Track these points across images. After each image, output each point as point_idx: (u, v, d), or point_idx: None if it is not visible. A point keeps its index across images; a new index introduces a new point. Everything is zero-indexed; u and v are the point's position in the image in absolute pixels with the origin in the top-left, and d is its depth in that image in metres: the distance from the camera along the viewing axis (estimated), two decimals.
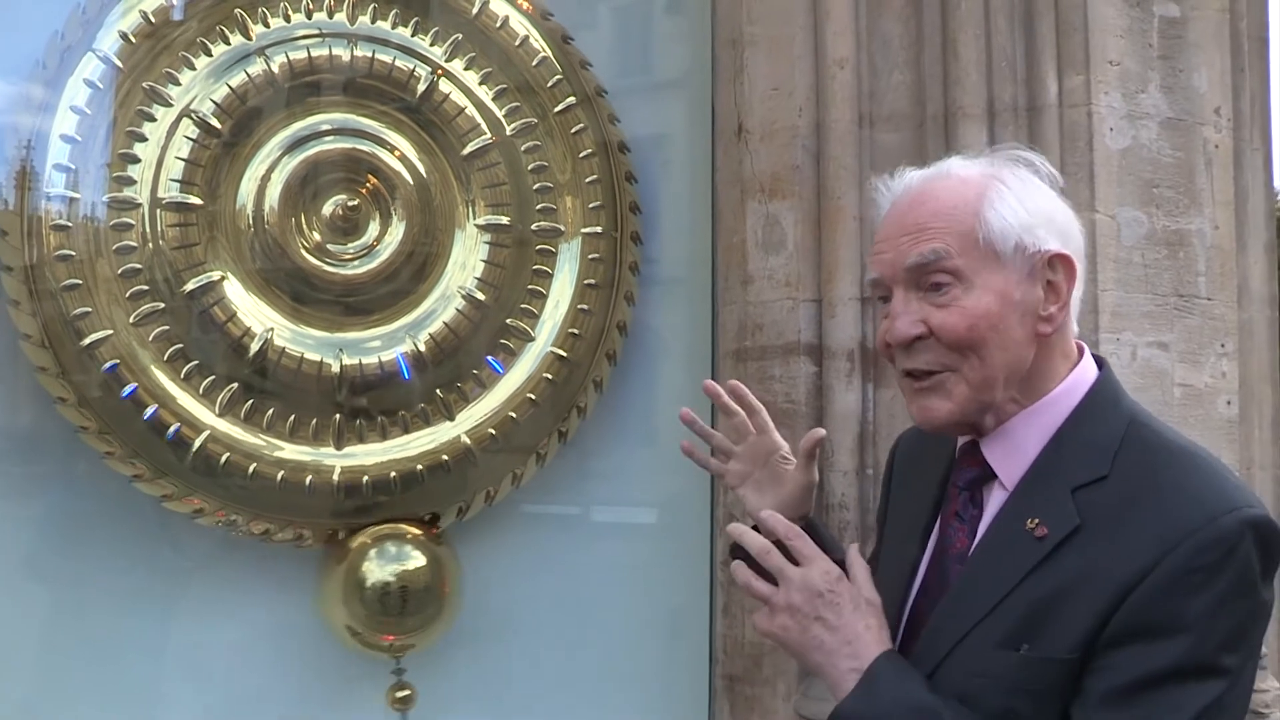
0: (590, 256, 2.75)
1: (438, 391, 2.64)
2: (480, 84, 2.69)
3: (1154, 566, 1.29)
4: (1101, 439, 1.40)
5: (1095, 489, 1.37)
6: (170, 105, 2.47)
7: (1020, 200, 1.42)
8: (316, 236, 2.59)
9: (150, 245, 2.45)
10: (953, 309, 1.40)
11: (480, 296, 2.67)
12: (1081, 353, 1.48)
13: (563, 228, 2.74)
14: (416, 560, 2.60)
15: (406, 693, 2.63)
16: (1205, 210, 2.52)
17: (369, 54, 2.61)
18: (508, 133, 2.70)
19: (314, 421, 2.56)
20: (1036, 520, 1.37)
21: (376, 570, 2.57)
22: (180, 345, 2.47)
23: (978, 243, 1.40)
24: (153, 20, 2.48)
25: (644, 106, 2.98)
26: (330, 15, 2.59)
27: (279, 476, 2.52)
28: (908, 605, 1.50)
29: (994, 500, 1.46)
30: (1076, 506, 1.36)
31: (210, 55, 2.50)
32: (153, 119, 2.46)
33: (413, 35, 2.65)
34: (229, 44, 2.52)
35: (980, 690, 1.35)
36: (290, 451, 2.54)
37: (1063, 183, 1.49)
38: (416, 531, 2.64)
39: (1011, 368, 1.41)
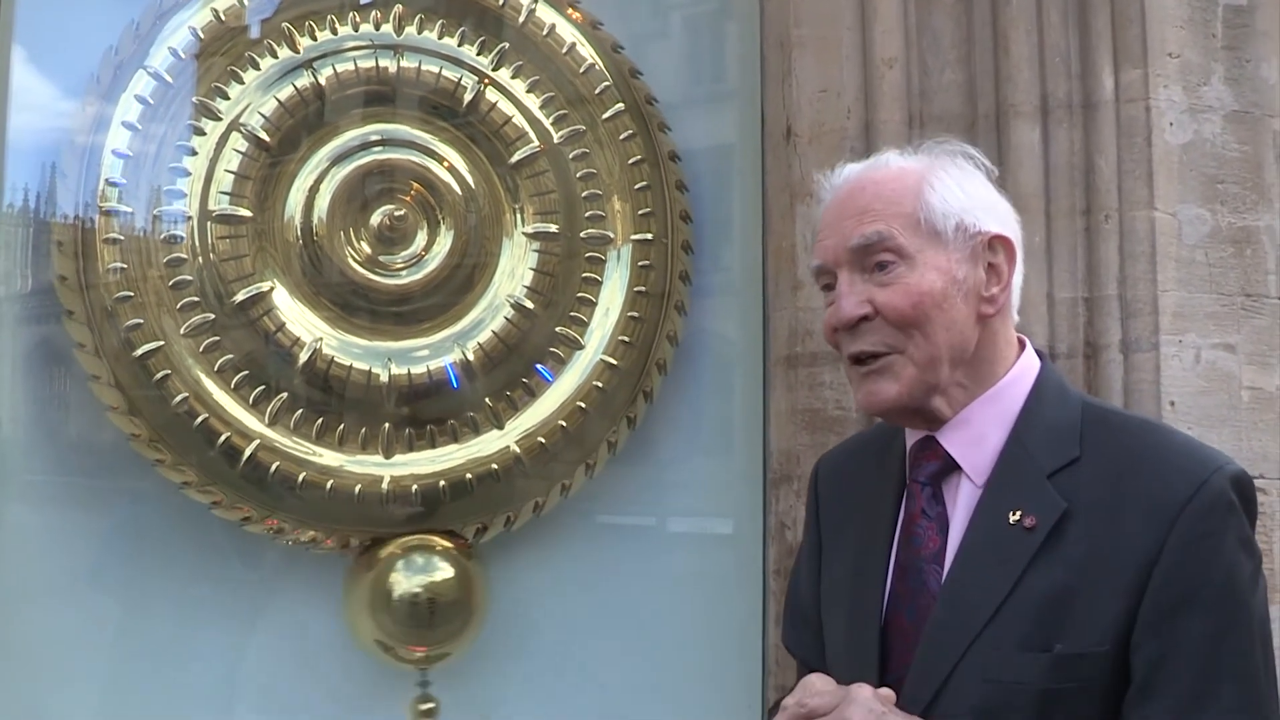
0: (641, 263, 2.73)
1: (487, 400, 2.64)
2: (527, 92, 2.68)
3: (1163, 543, 1.32)
4: (1062, 422, 1.44)
5: (1071, 471, 1.40)
6: (219, 119, 2.50)
7: (959, 184, 1.47)
8: (365, 247, 2.60)
9: (200, 258, 2.49)
10: (897, 287, 1.43)
11: (529, 305, 2.66)
12: (1024, 344, 1.52)
13: (612, 235, 2.72)
14: (444, 572, 2.59)
15: (430, 705, 2.60)
16: (1275, 205, 2.42)
17: (415, 64, 2.62)
18: (555, 140, 2.69)
19: (363, 431, 2.57)
20: (1019, 512, 1.39)
21: (404, 581, 2.56)
22: (230, 356, 2.50)
23: (919, 223, 1.44)
24: (202, 36, 2.52)
25: (699, 114, 2.97)
26: (377, 27, 2.60)
27: (328, 485, 2.53)
28: (880, 616, 1.47)
29: (962, 495, 1.46)
30: (1058, 491, 1.38)
31: (258, 69, 2.53)
32: (202, 133, 2.50)
33: (459, 45, 2.65)
34: (276, 57, 2.54)
35: (1005, 696, 1.34)
36: (339, 460, 2.55)
37: (997, 173, 1.54)
38: (446, 544, 2.62)
39: (956, 347, 1.44)
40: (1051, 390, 1.49)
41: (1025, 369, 1.50)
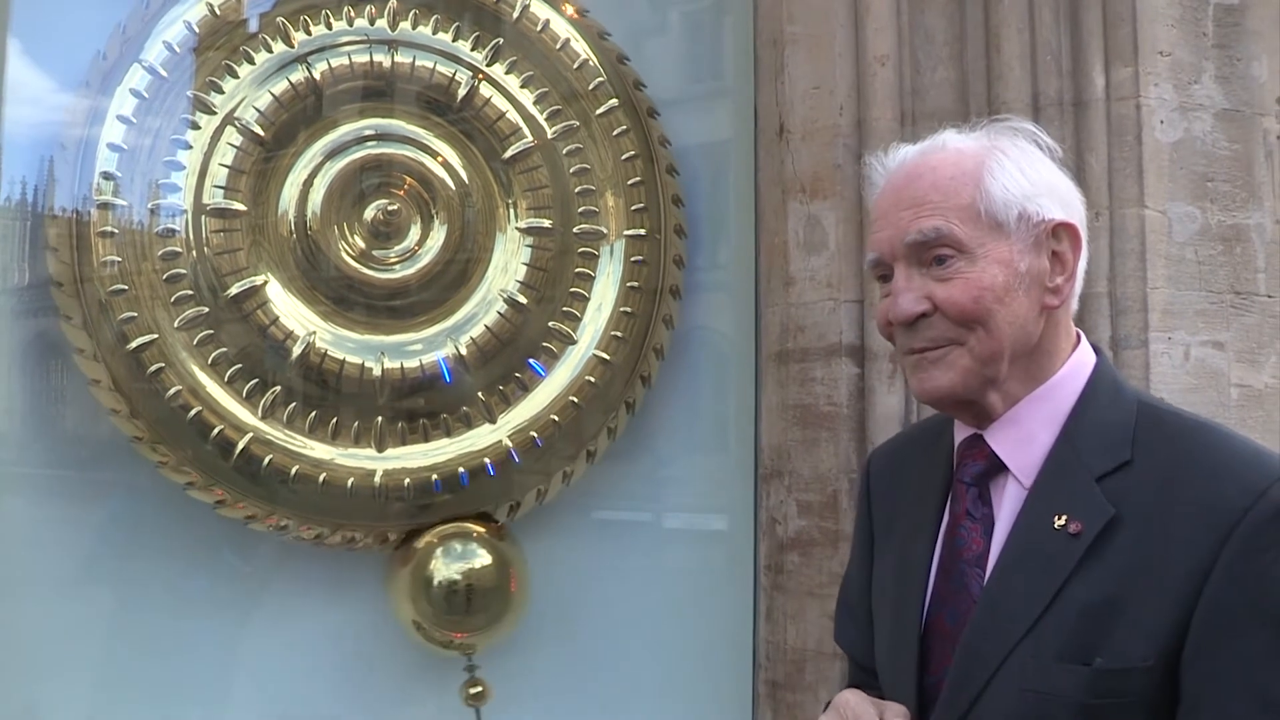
0: (634, 259, 2.74)
1: (479, 394, 2.64)
2: (521, 88, 2.69)
3: (1216, 556, 1.23)
4: (1115, 423, 1.35)
5: (1121, 476, 1.32)
6: (214, 113, 2.51)
7: (1021, 169, 1.38)
8: (359, 241, 2.61)
9: (194, 251, 2.49)
10: (956, 281, 1.35)
11: (522, 300, 2.67)
12: (1079, 338, 1.44)
13: (605, 230, 2.73)
14: (483, 559, 2.62)
15: (479, 689, 2.63)
16: (1265, 204, 2.43)
17: (410, 60, 2.63)
18: (549, 136, 2.70)
19: (355, 424, 2.57)
20: (1065, 517, 1.31)
21: (443, 569, 2.59)
22: (224, 349, 2.50)
23: (979, 214, 1.35)
24: (197, 30, 2.52)
25: (694, 110, 2.97)
26: (371, 22, 2.61)
27: (321, 479, 2.54)
28: (922, 617, 1.42)
29: (1008, 496, 1.39)
30: (1106, 496, 1.30)
31: (253, 63, 2.54)
32: (197, 127, 2.50)
33: (453, 40, 2.66)
34: (271, 52, 2.55)
35: (1043, 708, 1.28)
36: (331, 454, 2.55)
37: (1060, 153, 1.43)
38: (481, 529, 2.65)
39: (1018, 341, 1.37)
40: (1106, 388, 1.40)
41: (1079, 365, 1.42)
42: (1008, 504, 1.39)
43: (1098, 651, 1.26)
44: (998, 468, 1.41)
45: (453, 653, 2.65)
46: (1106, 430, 1.36)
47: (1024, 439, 1.38)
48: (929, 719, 1.38)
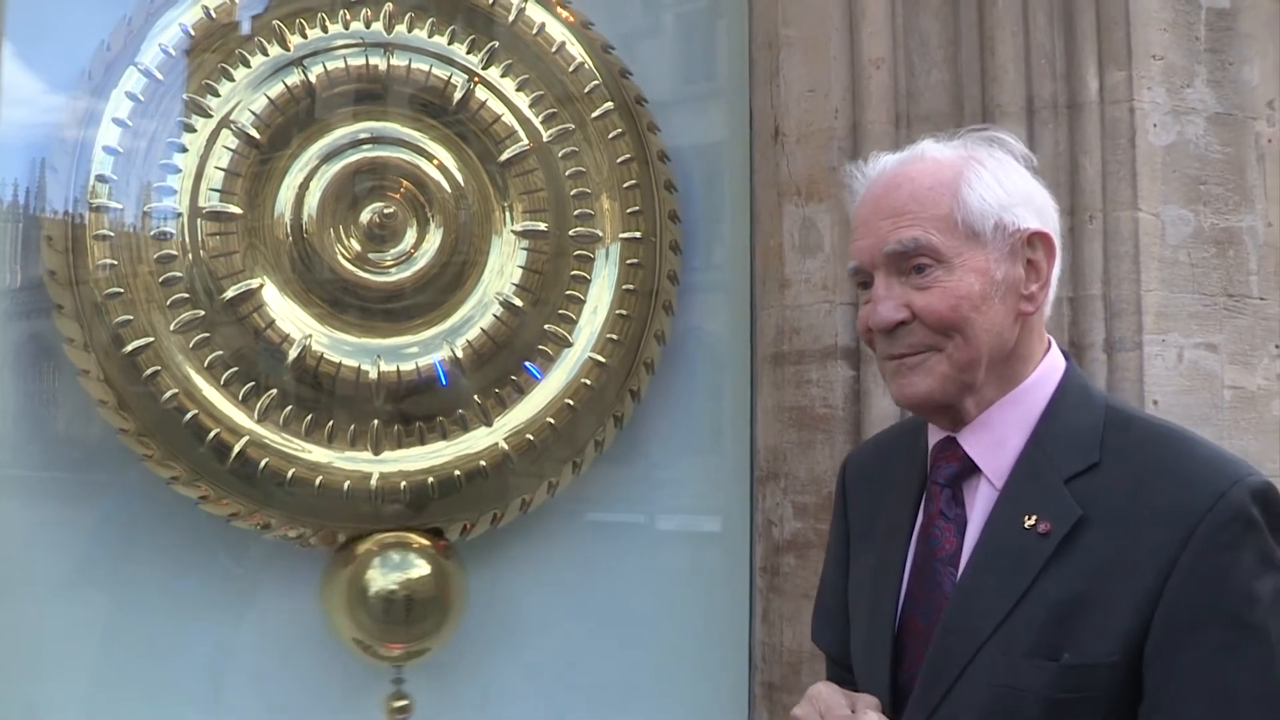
0: (629, 262, 2.74)
1: (476, 398, 2.65)
2: (517, 91, 2.70)
3: (1178, 555, 1.27)
4: (1084, 426, 1.39)
5: (1089, 478, 1.35)
6: (210, 116, 2.51)
7: (997, 179, 1.41)
8: (355, 244, 2.61)
9: (190, 254, 2.49)
10: (935, 290, 1.39)
11: (518, 303, 2.67)
12: (1050, 344, 1.48)
13: (600, 233, 2.73)
14: (420, 569, 2.59)
15: (404, 702, 2.62)
16: (1257, 207, 2.45)
17: (405, 63, 2.63)
18: (545, 139, 2.70)
19: (352, 427, 2.57)
20: (1035, 517, 1.35)
21: (380, 579, 2.57)
22: (220, 352, 2.50)
23: (956, 224, 1.39)
24: (193, 33, 2.52)
25: (689, 112, 2.98)
26: (367, 25, 2.61)
27: (317, 482, 2.54)
28: (896, 615, 1.45)
29: (980, 497, 1.43)
30: (1075, 498, 1.34)
31: (249, 66, 2.54)
32: (193, 130, 2.50)
33: (449, 43, 2.66)
34: (267, 55, 2.55)
35: (1011, 703, 1.31)
36: (328, 457, 2.55)
37: (1035, 162, 1.47)
38: (423, 541, 2.63)
39: (994, 348, 1.40)
40: (1075, 393, 1.44)
41: (1050, 370, 1.45)
42: (980, 505, 1.43)
43: (1065, 648, 1.29)
44: (970, 470, 1.44)
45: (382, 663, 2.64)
46: (1076, 434, 1.39)
47: (996, 442, 1.42)
48: (902, 716, 1.41)
